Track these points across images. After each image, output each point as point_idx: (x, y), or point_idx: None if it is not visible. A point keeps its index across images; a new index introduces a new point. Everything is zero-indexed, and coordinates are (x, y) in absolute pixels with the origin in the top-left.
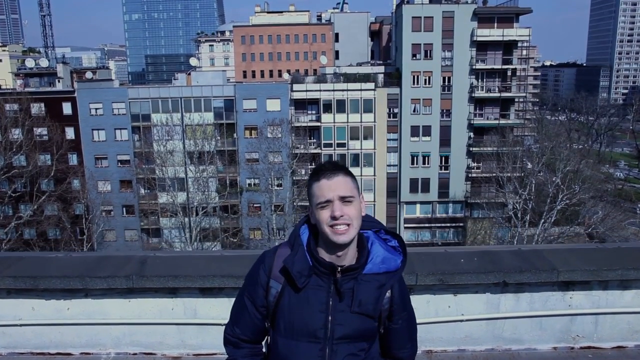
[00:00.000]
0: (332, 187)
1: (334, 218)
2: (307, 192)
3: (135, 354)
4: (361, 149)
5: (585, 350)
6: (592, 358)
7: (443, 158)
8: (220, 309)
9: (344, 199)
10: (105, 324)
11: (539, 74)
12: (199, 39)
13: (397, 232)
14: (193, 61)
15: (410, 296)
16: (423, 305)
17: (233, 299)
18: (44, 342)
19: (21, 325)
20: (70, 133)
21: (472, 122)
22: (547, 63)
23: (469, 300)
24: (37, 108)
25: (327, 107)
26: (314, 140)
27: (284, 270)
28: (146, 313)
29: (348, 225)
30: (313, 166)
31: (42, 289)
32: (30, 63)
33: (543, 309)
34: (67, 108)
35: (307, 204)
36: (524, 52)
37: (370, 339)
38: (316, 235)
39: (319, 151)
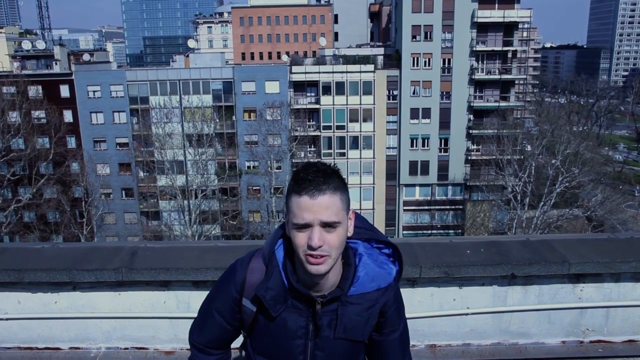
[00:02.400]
0: (314, 208)
1: (310, 247)
2: (286, 200)
3: (126, 348)
4: (360, 131)
5: (595, 344)
6: (602, 352)
7: (442, 140)
8: None
9: (326, 225)
10: (94, 318)
11: (540, 55)
12: (197, 20)
13: (397, 216)
14: (191, 43)
15: (414, 289)
16: (427, 299)
17: None
18: (32, 336)
19: (7, 319)
20: (68, 116)
21: (472, 104)
22: (548, 45)
23: (475, 293)
24: (34, 91)
25: (327, 89)
26: (313, 123)
27: (257, 298)
28: (137, 307)
29: (325, 255)
30: (314, 149)
31: (28, 282)
32: (27, 45)
33: (552, 302)
34: (64, 91)
35: None
36: (525, 33)
37: (355, 358)
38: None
39: (318, 133)
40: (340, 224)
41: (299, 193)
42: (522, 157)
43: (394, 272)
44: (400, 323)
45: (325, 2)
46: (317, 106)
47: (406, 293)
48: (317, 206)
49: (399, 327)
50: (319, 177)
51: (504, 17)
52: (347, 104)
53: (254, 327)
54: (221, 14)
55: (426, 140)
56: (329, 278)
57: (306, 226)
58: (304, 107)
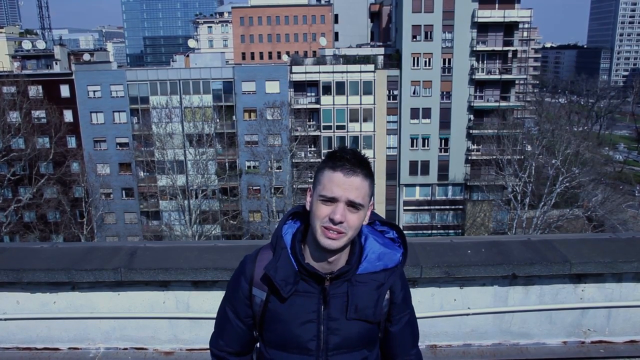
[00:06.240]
0: (345, 186)
1: (331, 220)
2: (315, 174)
3: (125, 349)
4: (360, 131)
5: (597, 344)
6: (604, 353)
7: (443, 140)
8: (214, 302)
9: (351, 204)
10: (93, 318)
11: (540, 55)
12: (197, 20)
13: (397, 216)
14: (191, 43)
15: (415, 289)
16: (428, 299)
17: None
18: (30, 336)
19: (5, 319)
20: (68, 116)
21: (472, 104)
22: (548, 45)
23: (476, 293)
24: (34, 91)
25: (327, 89)
26: (314, 123)
27: (267, 278)
28: (136, 307)
29: (342, 233)
30: (314, 149)
31: (27, 282)
32: (27, 45)
33: (553, 302)
34: (65, 90)
35: (307, 186)
36: (525, 33)
37: (371, 345)
38: (304, 232)
39: (319, 133)
40: (363, 207)
41: (333, 168)
42: (522, 157)
43: (399, 253)
44: (407, 311)
45: (326, 2)
46: (317, 106)
47: None
48: (349, 185)
49: (407, 315)
50: (355, 159)
51: (504, 17)
52: (347, 104)
53: (264, 318)
54: (221, 14)
55: (426, 140)
56: (340, 260)
57: (333, 200)
58: (304, 107)
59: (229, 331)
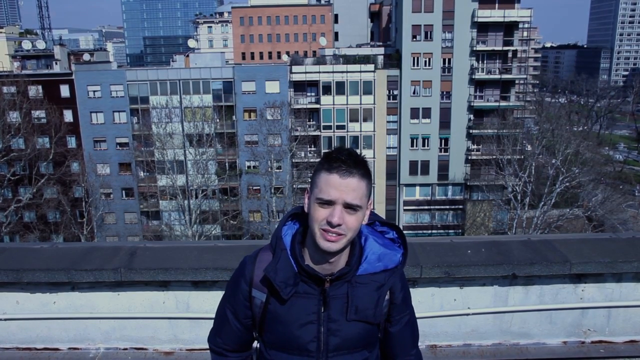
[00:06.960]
0: (341, 188)
1: (329, 223)
2: (312, 176)
3: (125, 349)
4: (360, 131)
5: (597, 344)
6: (604, 353)
7: (443, 140)
8: (214, 302)
9: (349, 206)
10: (93, 318)
11: (540, 55)
12: (197, 20)
13: (397, 216)
14: (191, 43)
15: (414, 289)
16: (427, 299)
17: None
18: (30, 336)
19: (5, 319)
20: (68, 116)
21: (472, 104)
22: (548, 44)
23: (476, 293)
24: (34, 91)
25: (327, 89)
26: (314, 123)
27: (266, 280)
28: (136, 307)
29: (341, 235)
30: (314, 148)
31: (27, 282)
32: (27, 45)
33: (553, 302)
34: (65, 90)
35: (307, 186)
36: (525, 33)
37: (371, 346)
38: (303, 233)
39: (319, 133)
40: (361, 208)
41: (329, 171)
42: (522, 156)
43: (399, 254)
44: (407, 311)
45: (326, 1)
46: (317, 106)
47: None
48: (345, 186)
49: (407, 316)
50: (351, 160)
51: (504, 16)
52: (347, 104)
53: (264, 320)
54: (221, 14)
55: (426, 140)
56: (340, 261)
57: (330, 203)
58: (304, 107)
59: (227, 330)
